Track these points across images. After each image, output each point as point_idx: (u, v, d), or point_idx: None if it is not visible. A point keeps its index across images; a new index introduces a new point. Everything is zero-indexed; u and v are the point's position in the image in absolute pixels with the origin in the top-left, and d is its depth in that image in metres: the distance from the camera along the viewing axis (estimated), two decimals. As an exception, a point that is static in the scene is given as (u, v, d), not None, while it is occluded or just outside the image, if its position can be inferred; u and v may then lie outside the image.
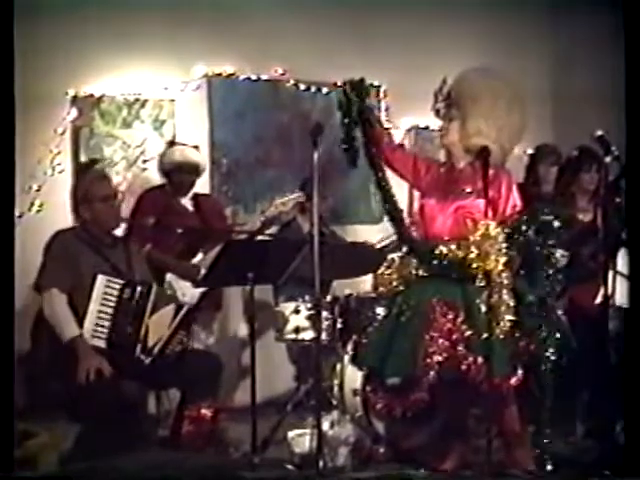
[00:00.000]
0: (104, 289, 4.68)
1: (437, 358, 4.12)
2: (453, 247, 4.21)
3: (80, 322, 4.61)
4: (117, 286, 4.71)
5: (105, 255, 4.80)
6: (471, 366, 4.09)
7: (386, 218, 4.49)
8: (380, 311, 4.53)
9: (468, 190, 4.29)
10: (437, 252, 4.23)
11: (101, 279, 4.68)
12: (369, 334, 4.49)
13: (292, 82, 6.71)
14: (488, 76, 4.43)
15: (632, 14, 3.94)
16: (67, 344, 4.55)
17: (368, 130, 4.45)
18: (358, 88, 4.45)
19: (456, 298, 4.21)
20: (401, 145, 4.86)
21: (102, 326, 4.65)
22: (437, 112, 4.44)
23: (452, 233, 4.26)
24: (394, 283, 4.37)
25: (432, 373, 4.12)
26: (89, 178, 4.99)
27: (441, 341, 4.13)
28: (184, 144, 5.94)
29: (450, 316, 4.17)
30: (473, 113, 4.28)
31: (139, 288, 4.76)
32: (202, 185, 6.06)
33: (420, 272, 4.31)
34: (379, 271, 4.45)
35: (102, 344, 4.63)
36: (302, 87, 6.76)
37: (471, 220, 4.20)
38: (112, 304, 4.68)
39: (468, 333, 4.13)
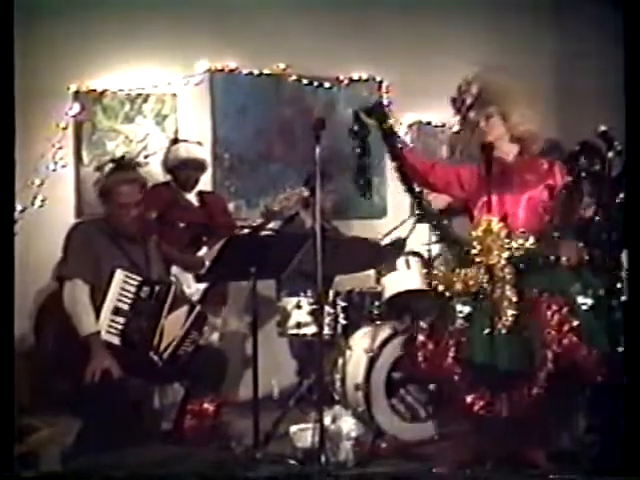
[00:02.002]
0: (122, 284, 4.60)
1: (554, 350, 4.02)
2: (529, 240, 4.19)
3: (97, 316, 4.53)
4: (135, 282, 4.64)
5: (125, 250, 4.73)
6: (587, 358, 4.02)
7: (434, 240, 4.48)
8: (461, 308, 4.23)
9: (530, 180, 4.26)
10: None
11: (119, 273, 4.60)
12: (467, 331, 4.21)
13: (294, 77, 6.71)
14: (508, 74, 4.43)
15: (632, 12, 3.94)
16: (83, 339, 4.47)
17: (399, 155, 4.35)
18: (376, 112, 4.33)
19: (549, 286, 4.14)
20: (435, 162, 4.62)
21: (117, 322, 4.56)
22: (464, 118, 4.36)
23: (526, 225, 4.22)
24: (480, 277, 4.22)
25: (549, 366, 4.02)
26: (116, 179, 4.74)
27: (554, 334, 4.05)
28: (186, 140, 5.96)
29: (555, 307, 4.09)
30: (513, 103, 4.26)
31: (157, 287, 4.70)
32: (204, 180, 6.06)
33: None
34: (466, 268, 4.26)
35: (115, 340, 4.55)
36: (304, 82, 6.76)
37: (543, 210, 4.19)
38: (129, 300, 4.60)
39: (576, 323, 4.05)
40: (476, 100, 4.29)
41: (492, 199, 4.17)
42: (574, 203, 4.19)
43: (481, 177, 4.33)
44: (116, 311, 4.58)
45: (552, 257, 4.17)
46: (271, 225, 5.45)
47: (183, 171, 5.74)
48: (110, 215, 4.74)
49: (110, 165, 4.79)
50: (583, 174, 4.12)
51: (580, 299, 4.11)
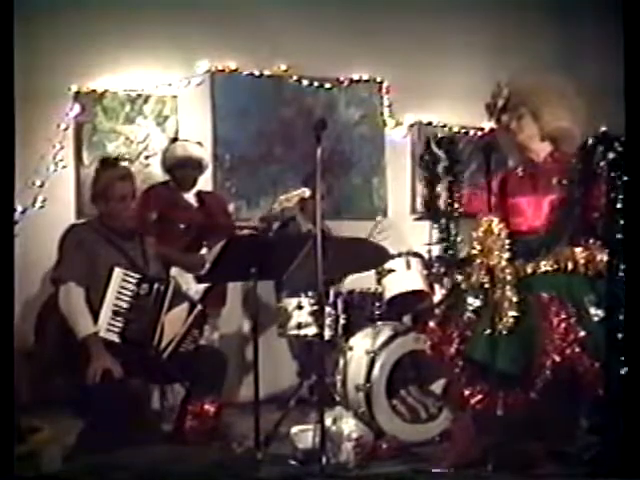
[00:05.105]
0: (120, 282, 4.60)
1: (553, 358, 3.96)
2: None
3: (95, 317, 4.53)
4: (134, 280, 4.63)
5: (121, 248, 4.73)
6: (588, 369, 3.97)
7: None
8: (472, 301, 4.19)
9: (557, 182, 4.21)
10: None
11: (118, 272, 4.59)
12: (471, 326, 4.18)
13: (295, 78, 6.71)
14: (542, 74, 4.47)
15: (632, 12, 3.94)
16: (81, 341, 4.47)
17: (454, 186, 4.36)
18: (445, 144, 4.33)
19: (563, 293, 4.08)
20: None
21: (117, 320, 4.56)
22: (498, 120, 4.35)
23: (546, 226, 4.18)
24: (482, 272, 4.16)
25: (547, 373, 3.96)
26: (110, 176, 4.75)
27: (557, 340, 3.98)
28: (186, 140, 5.96)
29: (563, 315, 4.03)
30: (543, 101, 4.25)
31: (156, 284, 4.70)
32: (205, 181, 6.07)
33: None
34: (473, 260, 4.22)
35: (116, 338, 4.55)
36: (305, 83, 6.77)
37: (563, 209, 4.15)
38: (128, 298, 4.60)
39: (582, 334, 3.99)
40: (507, 102, 4.29)
41: (492, 200, 4.15)
42: (592, 197, 4.15)
43: (509, 180, 4.35)
44: (116, 310, 4.58)
45: (569, 262, 4.16)
46: (271, 226, 5.44)
47: (180, 170, 5.73)
48: (106, 213, 4.74)
49: (99, 164, 4.84)
50: (601, 165, 4.09)
51: (592, 310, 4.04)
